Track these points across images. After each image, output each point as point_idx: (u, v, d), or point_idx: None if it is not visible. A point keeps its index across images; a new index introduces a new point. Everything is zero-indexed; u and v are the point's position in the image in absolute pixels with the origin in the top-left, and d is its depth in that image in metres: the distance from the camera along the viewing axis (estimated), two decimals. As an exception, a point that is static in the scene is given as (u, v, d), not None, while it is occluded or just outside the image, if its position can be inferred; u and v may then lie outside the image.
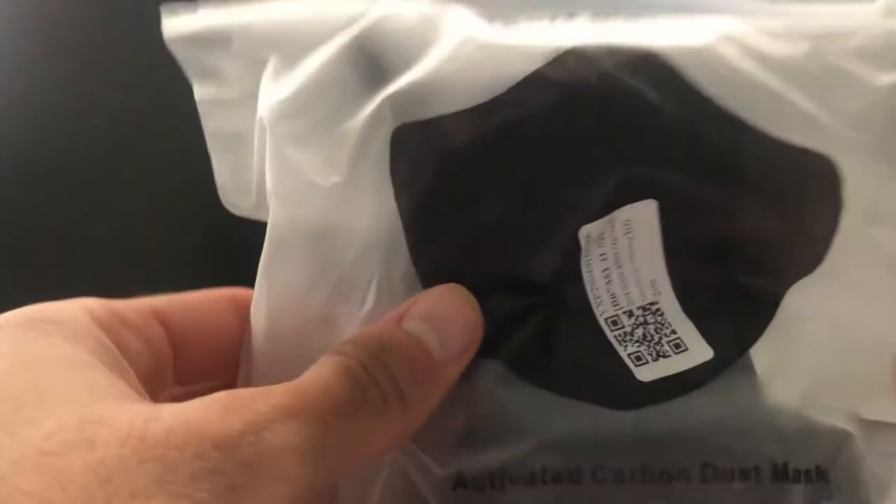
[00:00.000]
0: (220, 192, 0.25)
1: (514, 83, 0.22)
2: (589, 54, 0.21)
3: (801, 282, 0.23)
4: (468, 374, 0.23)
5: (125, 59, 0.39)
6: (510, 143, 0.22)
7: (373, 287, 0.23)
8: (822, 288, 0.23)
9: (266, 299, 0.24)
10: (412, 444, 0.23)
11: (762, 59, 0.21)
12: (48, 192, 0.39)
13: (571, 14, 0.22)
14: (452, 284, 0.22)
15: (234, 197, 0.25)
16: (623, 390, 0.23)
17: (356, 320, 0.23)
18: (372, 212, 0.23)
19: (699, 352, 0.23)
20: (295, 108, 0.22)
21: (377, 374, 0.20)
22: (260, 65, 0.23)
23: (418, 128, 0.22)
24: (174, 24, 0.24)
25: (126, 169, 0.39)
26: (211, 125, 0.24)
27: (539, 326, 0.23)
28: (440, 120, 0.22)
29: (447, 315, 0.21)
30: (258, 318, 0.24)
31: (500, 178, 0.22)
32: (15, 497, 0.16)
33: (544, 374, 0.23)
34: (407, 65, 0.22)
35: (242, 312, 0.25)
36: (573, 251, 0.22)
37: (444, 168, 0.22)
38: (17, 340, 0.19)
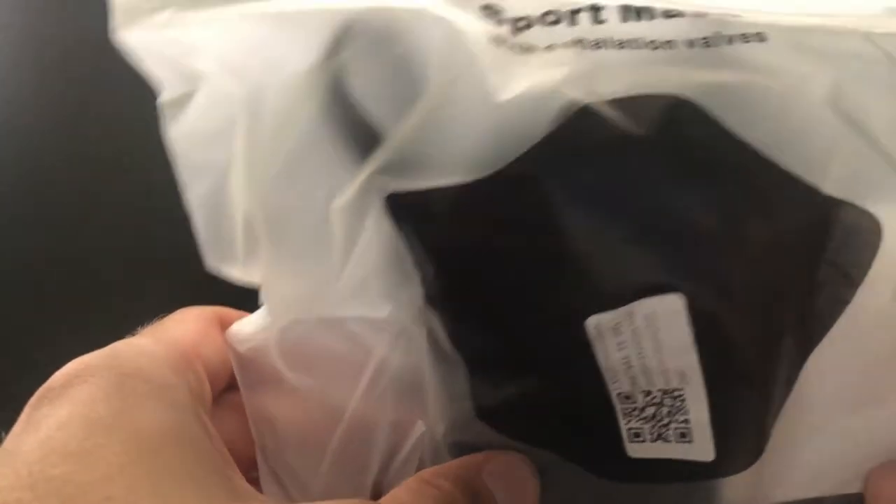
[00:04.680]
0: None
1: (522, 149, 0.18)
2: (606, 114, 0.17)
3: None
4: None
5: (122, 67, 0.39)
6: (517, 223, 0.19)
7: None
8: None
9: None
10: None
11: None
12: (45, 195, 0.39)
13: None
14: (522, 456, 0.22)
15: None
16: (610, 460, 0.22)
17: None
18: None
19: (701, 450, 0.21)
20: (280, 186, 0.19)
21: None
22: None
23: (416, 199, 0.19)
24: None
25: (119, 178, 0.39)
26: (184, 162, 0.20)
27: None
28: (440, 193, 0.18)
29: (516, 481, 0.22)
30: None
31: (506, 263, 0.19)
32: None
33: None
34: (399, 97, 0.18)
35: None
36: (582, 342, 0.19)
37: (449, 247, 0.19)
38: (114, 402, 0.18)
